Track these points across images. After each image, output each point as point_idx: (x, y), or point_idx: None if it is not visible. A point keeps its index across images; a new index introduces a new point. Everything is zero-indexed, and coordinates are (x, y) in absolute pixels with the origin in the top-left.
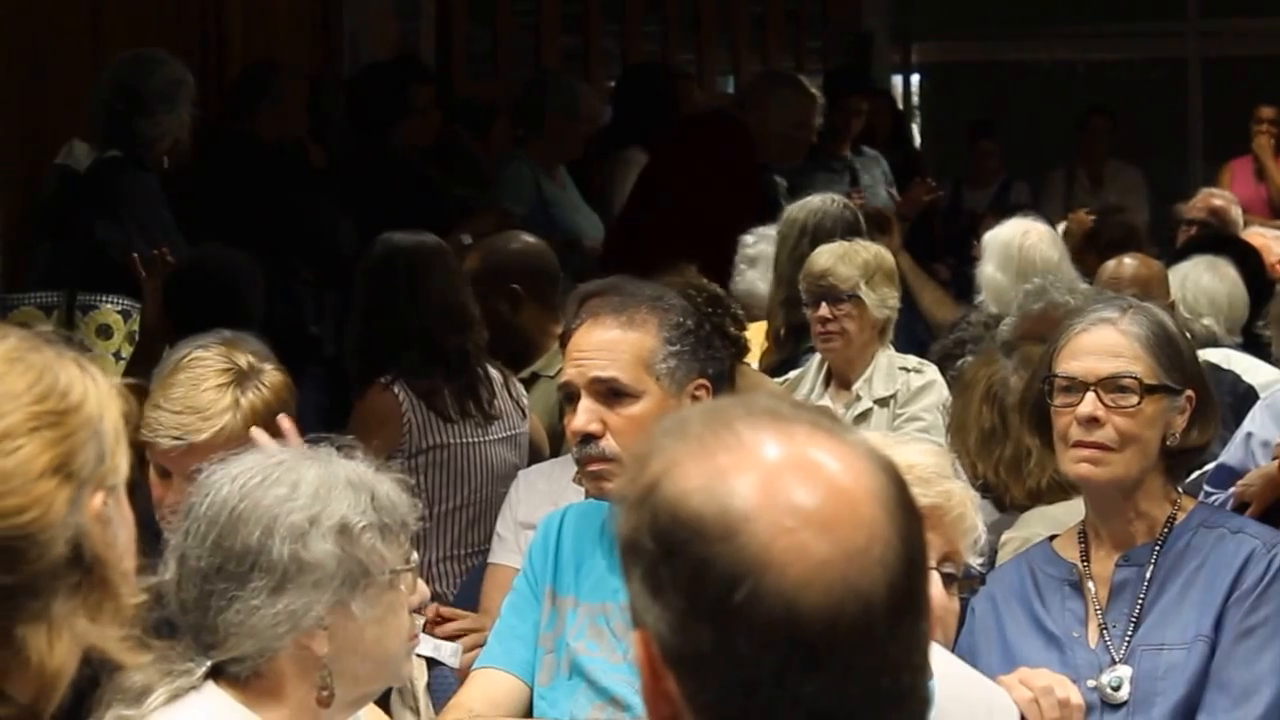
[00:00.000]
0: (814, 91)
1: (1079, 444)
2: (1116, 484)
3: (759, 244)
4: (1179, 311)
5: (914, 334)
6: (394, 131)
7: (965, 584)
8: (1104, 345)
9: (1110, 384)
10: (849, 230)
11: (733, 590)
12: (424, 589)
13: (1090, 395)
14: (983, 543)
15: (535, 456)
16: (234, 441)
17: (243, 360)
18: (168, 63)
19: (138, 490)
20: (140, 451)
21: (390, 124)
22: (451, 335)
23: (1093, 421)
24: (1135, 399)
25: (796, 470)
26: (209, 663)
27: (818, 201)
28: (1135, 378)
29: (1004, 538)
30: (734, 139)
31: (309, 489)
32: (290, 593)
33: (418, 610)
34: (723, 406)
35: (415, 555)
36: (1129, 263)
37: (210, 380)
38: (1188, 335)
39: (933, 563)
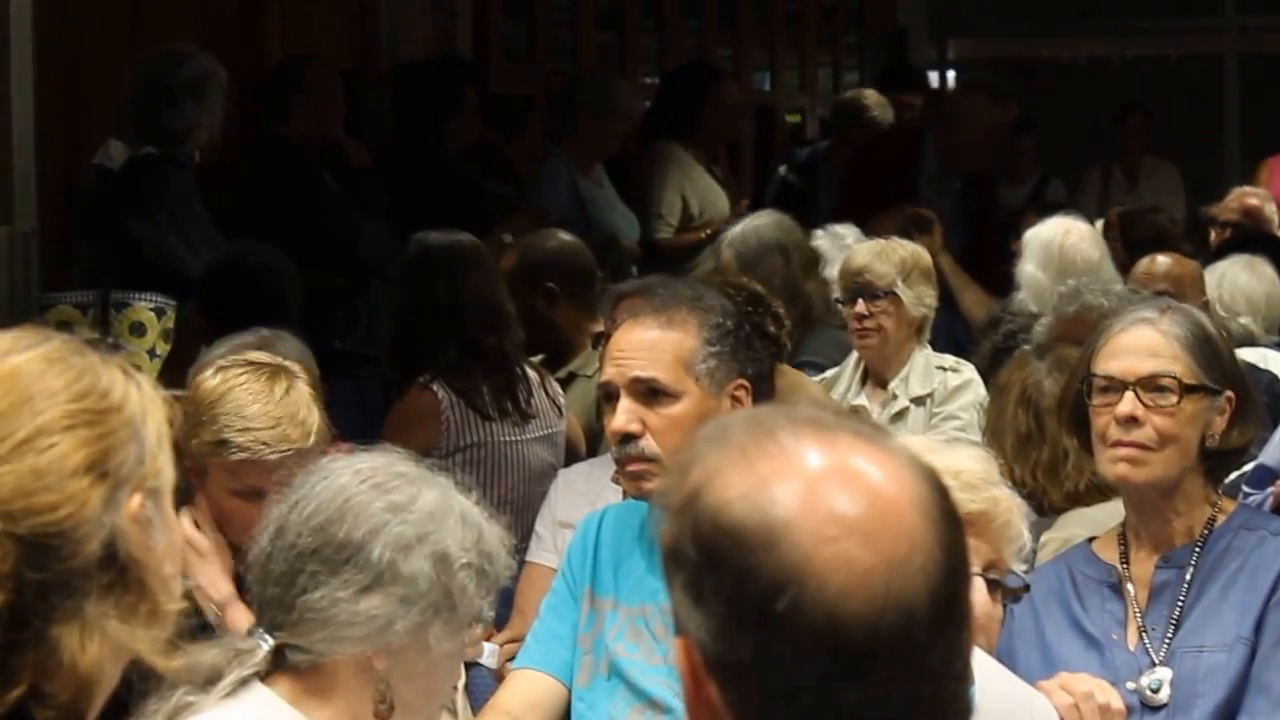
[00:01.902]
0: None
1: (1118, 444)
2: (1155, 484)
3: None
4: (1215, 311)
5: (953, 334)
6: (441, 131)
7: (1010, 592)
8: (1143, 345)
9: (1149, 383)
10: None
11: (774, 599)
12: (485, 645)
13: (1129, 395)
14: (1027, 550)
15: (572, 456)
16: (320, 433)
17: (266, 358)
18: (197, 56)
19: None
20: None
21: (439, 123)
22: (488, 334)
23: (1131, 421)
24: (1174, 398)
25: (838, 479)
26: (274, 643)
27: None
28: (1174, 377)
29: (1043, 539)
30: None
31: (425, 509)
32: (377, 596)
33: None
34: (765, 414)
35: (490, 615)
36: (1162, 260)
37: (272, 389)
38: (1226, 336)
39: (977, 569)
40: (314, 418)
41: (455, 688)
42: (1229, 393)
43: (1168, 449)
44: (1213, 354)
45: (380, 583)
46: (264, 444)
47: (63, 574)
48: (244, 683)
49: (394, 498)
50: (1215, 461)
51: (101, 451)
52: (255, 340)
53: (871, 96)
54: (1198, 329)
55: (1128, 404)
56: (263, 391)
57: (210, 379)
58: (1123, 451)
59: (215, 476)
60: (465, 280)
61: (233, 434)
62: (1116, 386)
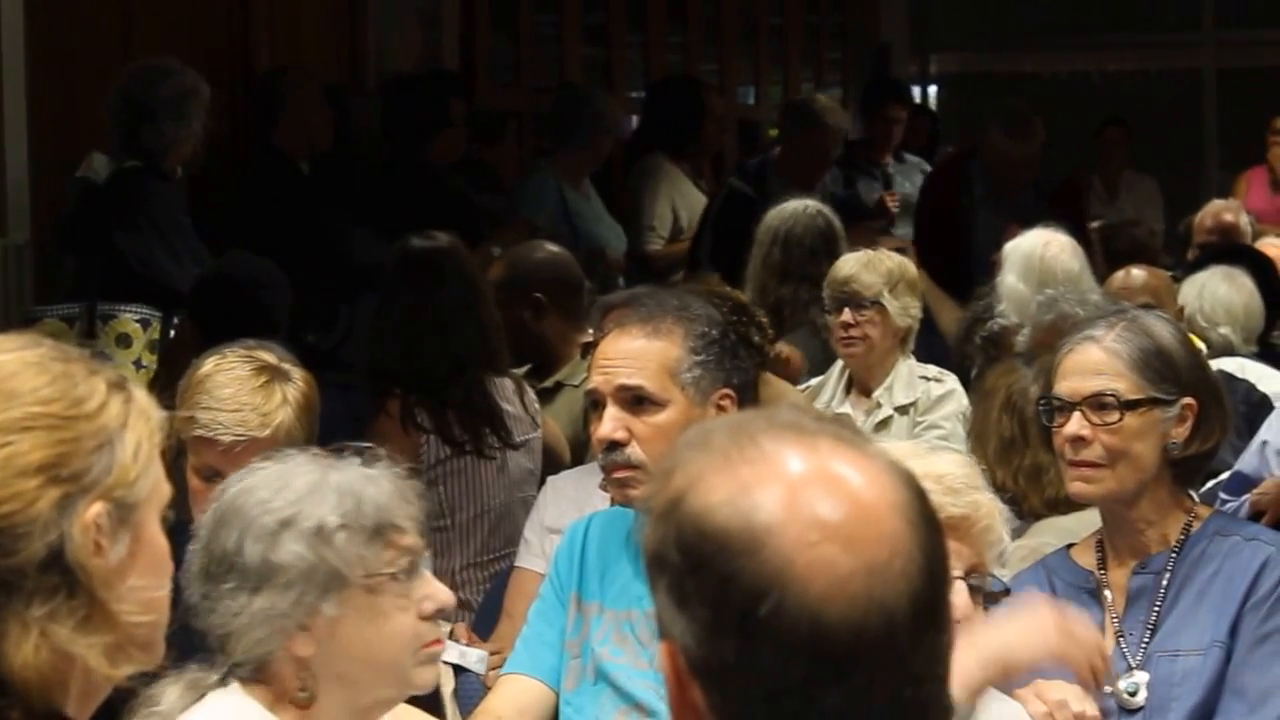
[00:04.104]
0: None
1: (1071, 463)
2: (1113, 498)
3: None
4: (1196, 321)
5: (933, 352)
6: (429, 145)
7: (990, 596)
8: (1087, 364)
9: (1094, 402)
10: (819, 237)
11: (758, 603)
12: (446, 596)
13: (1076, 415)
14: (1007, 554)
15: (553, 463)
16: (289, 435)
17: (270, 357)
18: (177, 73)
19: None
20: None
21: (427, 137)
22: (458, 384)
23: (1079, 441)
24: (1117, 415)
25: (820, 484)
26: (225, 668)
27: (791, 208)
28: (1114, 394)
29: (1013, 545)
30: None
31: (292, 494)
32: (265, 594)
33: (433, 617)
34: (746, 419)
35: (422, 560)
36: (1137, 273)
37: (254, 380)
38: (1192, 343)
39: (959, 573)
40: (283, 415)
41: (441, 689)
42: (1187, 400)
43: (1119, 465)
44: (1163, 364)
45: (262, 579)
46: (220, 424)
47: (1, 570)
48: (202, 693)
49: (260, 495)
50: (1182, 468)
51: (59, 456)
52: (243, 346)
53: (822, 100)
54: (1147, 340)
55: (1074, 424)
56: (242, 379)
57: (208, 362)
58: (1076, 471)
59: (189, 453)
60: (444, 299)
61: (199, 411)
62: (1066, 407)
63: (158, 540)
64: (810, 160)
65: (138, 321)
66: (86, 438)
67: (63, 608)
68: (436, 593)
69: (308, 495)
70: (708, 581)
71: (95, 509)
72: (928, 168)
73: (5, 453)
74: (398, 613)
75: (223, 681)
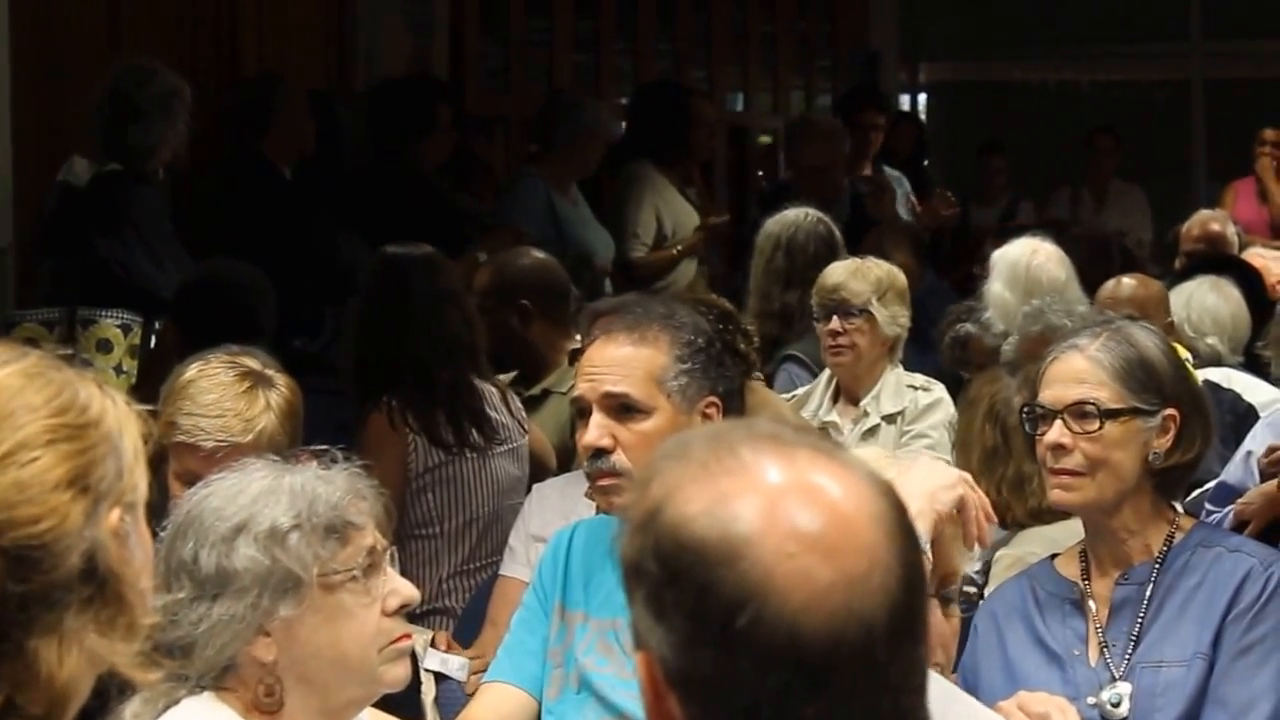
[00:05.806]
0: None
1: (1052, 471)
2: (1093, 507)
3: None
4: (1184, 331)
5: (927, 341)
6: (414, 149)
7: (966, 597)
8: (1070, 373)
9: (1075, 410)
10: (822, 243)
11: (736, 615)
12: (410, 591)
13: (1058, 423)
14: (978, 551)
15: (539, 470)
16: (272, 441)
17: (254, 363)
18: (162, 72)
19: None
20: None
21: (412, 141)
22: (444, 359)
23: (1060, 449)
24: (1097, 424)
25: (798, 495)
26: (192, 679)
27: (792, 216)
28: (1094, 403)
29: (998, 555)
30: None
31: (246, 499)
32: (223, 602)
33: (398, 612)
34: (725, 430)
35: (385, 556)
36: (1127, 283)
37: (237, 386)
38: (1177, 354)
39: (931, 590)
40: (266, 421)
41: (424, 696)
42: (1170, 410)
43: (1099, 473)
44: (1146, 375)
45: (219, 586)
46: (202, 430)
47: (44, 587)
48: (172, 703)
49: (214, 503)
50: (1164, 478)
51: (83, 466)
52: (226, 355)
53: (819, 116)
54: (1131, 351)
55: (1055, 433)
56: (225, 385)
57: (191, 368)
58: (1056, 479)
59: (170, 459)
60: (425, 300)
61: (181, 417)
62: (1048, 415)
63: (149, 538)
64: (825, 172)
65: (118, 327)
66: (99, 444)
67: (100, 616)
68: (400, 588)
69: (261, 499)
70: (686, 592)
71: (114, 514)
72: (907, 183)
73: (34, 469)
74: (360, 610)
75: (196, 689)
